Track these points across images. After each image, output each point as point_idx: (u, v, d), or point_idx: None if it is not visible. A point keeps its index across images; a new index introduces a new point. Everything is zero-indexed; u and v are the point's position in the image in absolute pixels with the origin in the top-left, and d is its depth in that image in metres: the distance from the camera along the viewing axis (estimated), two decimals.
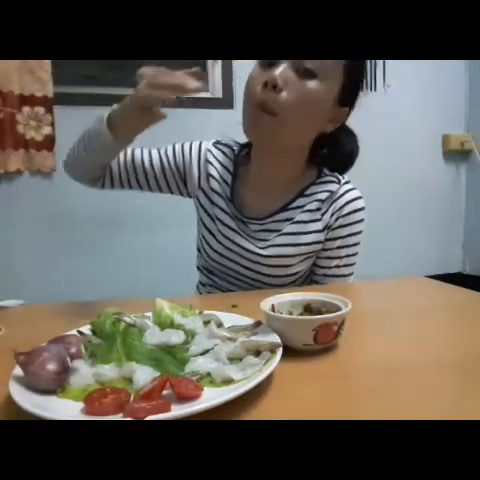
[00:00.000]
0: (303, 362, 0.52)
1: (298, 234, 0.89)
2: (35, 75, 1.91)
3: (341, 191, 0.90)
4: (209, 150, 0.97)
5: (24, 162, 1.97)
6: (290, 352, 0.51)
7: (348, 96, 0.86)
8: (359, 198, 0.91)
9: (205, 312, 0.61)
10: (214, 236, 0.94)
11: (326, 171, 0.94)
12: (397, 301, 0.82)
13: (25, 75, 1.90)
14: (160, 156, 0.96)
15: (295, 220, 0.90)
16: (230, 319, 0.60)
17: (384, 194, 2.61)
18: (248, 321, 0.59)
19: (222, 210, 0.93)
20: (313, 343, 0.53)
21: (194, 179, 0.96)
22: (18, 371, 0.44)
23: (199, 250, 1.01)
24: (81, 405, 0.40)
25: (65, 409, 0.40)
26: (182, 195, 1.00)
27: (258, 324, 0.57)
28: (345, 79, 0.83)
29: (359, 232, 0.92)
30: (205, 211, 0.95)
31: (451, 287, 0.89)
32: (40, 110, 1.95)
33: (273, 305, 0.60)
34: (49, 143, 1.99)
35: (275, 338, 0.52)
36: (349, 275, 0.95)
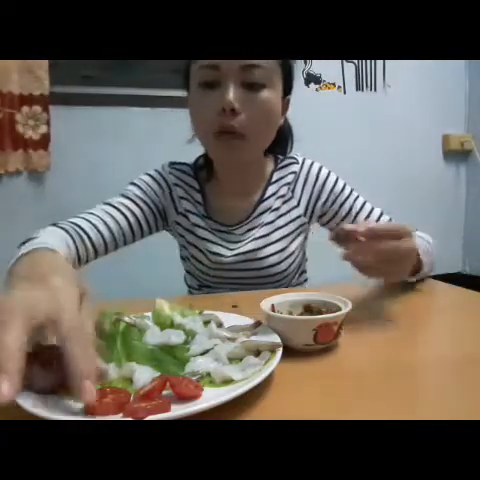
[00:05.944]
0: (303, 362, 0.52)
1: (278, 218, 0.93)
2: (33, 74, 1.91)
3: (305, 168, 0.95)
4: (170, 173, 0.95)
5: (23, 162, 1.97)
6: (290, 352, 0.51)
7: (289, 86, 0.89)
8: (322, 167, 0.96)
9: (205, 312, 0.61)
10: (203, 253, 0.93)
11: (280, 155, 0.99)
12: (397, 301, 0.82)
13: (24, 75, 1.90)
14: (136, 204, 0.90)
15: (273, 208, 0.93)
16: (230, 319, 0.60)
17: (384, 194, 2.60)
18: (248, 321, 0.59)
19: (201, 228, 0.93)
20: (313, 343, 0.53)
21: (171, 207, 0.95)
22: None
23: (189, 272, 1.00)
24: (81, 405, 0.40)
25: (65, 409, 0.40)
26: (158, 231, 0.97)
27: (258, 324, 0.57)
28: (283, 73, 0.85)
29: (342, 184, 0.95)
30: (189, 231, 0.95)
31: (451, 287, 0.89)
32: (37, 109, 1.95)
33: (273, 305, 0.60)
34: (45, 142, 1.98)
35: (275, 338, 0.52)
36: (373, 209, 0.95)
